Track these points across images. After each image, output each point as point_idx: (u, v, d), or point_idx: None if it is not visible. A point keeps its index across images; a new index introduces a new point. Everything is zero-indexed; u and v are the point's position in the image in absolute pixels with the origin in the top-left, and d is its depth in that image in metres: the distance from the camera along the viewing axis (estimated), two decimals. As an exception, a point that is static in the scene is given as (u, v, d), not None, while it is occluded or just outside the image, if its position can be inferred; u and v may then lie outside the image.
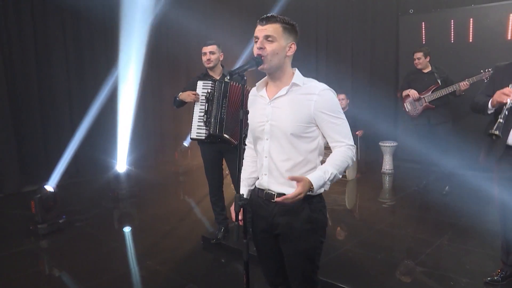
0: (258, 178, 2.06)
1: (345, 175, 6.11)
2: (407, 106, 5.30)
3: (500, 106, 2.63)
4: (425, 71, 5.12)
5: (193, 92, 3.74)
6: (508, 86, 2.61)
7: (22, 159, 5.94)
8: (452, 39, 6.18)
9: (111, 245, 4.19)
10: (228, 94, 3.70)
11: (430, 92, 5.03)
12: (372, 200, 5.43)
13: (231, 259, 3.77)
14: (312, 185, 1.77)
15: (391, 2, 7.03)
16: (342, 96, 6.27)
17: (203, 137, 3.77)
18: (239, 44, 7.23)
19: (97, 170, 6.56)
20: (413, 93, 5.14)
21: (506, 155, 2.73)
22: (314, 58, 7.89)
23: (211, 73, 3.86)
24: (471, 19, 6.00)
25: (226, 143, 3.76)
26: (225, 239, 4.00)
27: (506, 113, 2.54)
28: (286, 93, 1.91)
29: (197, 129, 3.81)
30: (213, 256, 3.91)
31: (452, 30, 6.18)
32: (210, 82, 3.74)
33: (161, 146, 7.73)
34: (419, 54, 5.08)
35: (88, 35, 6.55)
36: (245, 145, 2.28)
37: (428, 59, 5.11)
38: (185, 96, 3.78)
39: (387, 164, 6.62)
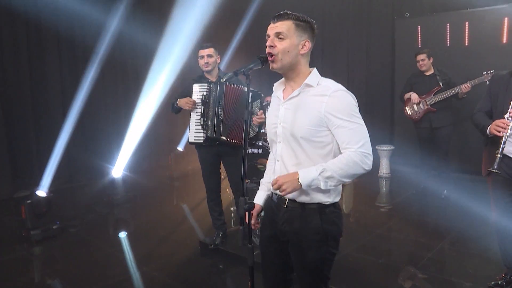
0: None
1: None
2: (409, 109, 5.28)
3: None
4: (428, 73, 5.09)
5: (191, 100, 3.69)
6: (503, 109, 2.59)
7: (14, 164, 5.82)
8: (448, 42, 6.18)
9: (106, 251, 4.09)
10: (224, 96, 3.64)
11: (432, 95, 5.01)
12: (369, 204, 5.39)
13: (229, 265, 3.70)
14: (297, 176, 1.70)
15: (386, 5, 7.03)
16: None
17: (201, 141, 3.71)
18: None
19: (91, 175, 6.44)
20: (414, 97, 5.12)
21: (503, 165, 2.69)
22: (310, 61, 7.85)
23: (207, 75, 3.81)
24: (467, 23, 6.01)
25: (225, 145, 3.71)
26: (223, 244, 3.93)
27: (503, 146, 2.54)
28: (299, 94, 1.83)
29: (195, 133, 3.75)
30: (211, 262, 3.83)
31: (448, 33, 6.19)
32: (206, 84, 3.69)
33: (155, 150, 7.63)
34: (422, 56, 5.04)
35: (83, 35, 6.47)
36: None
37: (431, 60, 5.08)
38: (183, 103, 3.73)
39: (384, 168, 6.60)
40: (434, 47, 6.19)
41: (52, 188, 5.00)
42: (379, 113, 7.12)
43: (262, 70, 1.89)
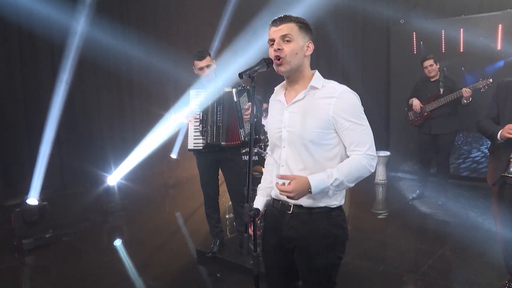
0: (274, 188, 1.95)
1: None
2: (411, 114, 5.27)
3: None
4: (433, 79, 5.06)
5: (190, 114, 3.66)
6: None
7: (5, 172, 5.71)
8: (443, 49, 6.20)
9: (101, 260, 3.99)
10: (222, 101, 3.60)
11: (432, 101, 5.00)
12: (366, 211, 5.35)
13: (227, 274, 3.62)
14: (309, 186, 1.66)
15: (382, 12, 7.05)
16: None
17: (201, 147, 3.65)
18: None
19: (85, 183, 6.35)
20: (415, 103, 5.09)
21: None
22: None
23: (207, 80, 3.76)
24: (462, 29, 6.05)
25: (224, 151, 3.66)
26: (221, 252, 3.86)
27: None
28: (304, 97, 1.79)
29: (194, 140, 3.70)
30: (209, 270, 3.76)
31: (443, 40, 6.22)
32: (203, 90, 3.64)
33: (148, 157, 7.52)
34: (430, 61, 5.00)
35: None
36: (267, 152, 2.19)
37: (438, 65, 5.04)
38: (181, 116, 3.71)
39: (380, 175, 6.57)
40: (429, 53, 6.23)
41: (45, 196, 4.89)
42: (375, 120, 7.08)
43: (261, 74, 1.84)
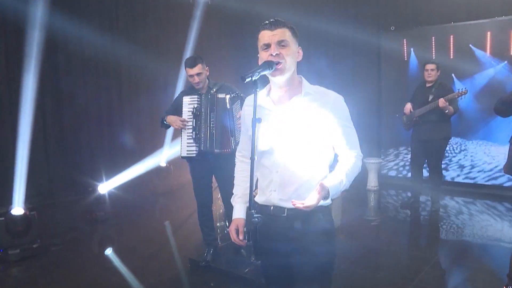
0: (256, 195, 1.90)
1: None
2: (403, 118, 5.29)
3: None
4: (428, 85, 5.07)
5: (181, 119, 3.59)
6: None
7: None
8: (434, 55, 6.25)
9: (91, 270, 3.89)
10: (215, 107, 3.55)
11: (418, 108, 5.02)
12: (358, 218, 5.30)
13: (221, 283, 3.55)
14: (328, 194, 1.67)
15: (372, 19, 7.09)
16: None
17: (194, 155, 3.59)
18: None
19: (73, 191, 6.20)
20: (406, 107, 5.12)
21: None
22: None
23: (198, 88, 3.71)
24: (451, 36, 6.11)
25: (217, 159, 3.60)
26: (214, 261, 3.79)
27: None
28: (300, 103, 1.79)
29: (187, 147, 3.65)
30: (202, 279, 3.68)
31: (433, 46, 6.27)
32: (196, 96, 3.60)
33: (138, 164, 7.40)
34: (432, 66, 5.00)
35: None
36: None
37: (439, 73, 5.04)
38: (172, 121, 3.65)
39: (372, 181, 6.55)
40: (419, 60, 6.29)
41: (32, 205, 4.76)
42: (366, 126, 7.10)
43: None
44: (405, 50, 6.60)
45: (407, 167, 6.50)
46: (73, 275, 3.78)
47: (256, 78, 1.68)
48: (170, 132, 6.91)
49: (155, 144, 7.26)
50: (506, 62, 5.77)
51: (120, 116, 6.95)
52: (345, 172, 1.76)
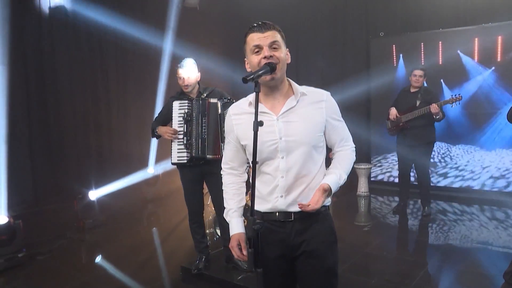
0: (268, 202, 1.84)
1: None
2: (388, 123, 5.28)
3: None
4: (413, 90, 5.09)
5: (171, 129, 3.52)
6: None
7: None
8: (423, 61, 6.30)
9: (80, 280, 3.78)
10: (207, 112, 3.50)
11: (408, 112, 5.03)
12: (349, 223, 5.29)
13: (214, 291, 3.49)
14: (331, 191, 1.73)
15: (361, 25, 7.14)
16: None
17: (185, 161, 3.52)
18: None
19: (60, 198, 6.03)
20: (392, 112, 5.11)
21: None
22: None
23: (187, 92, 3.65)
24: (440, 42, 6.17)
25: (209, 165, 3.54)
26: (207, 268, 3.72)
27: None
28: (296, 104, 1.79)
29: (178, 153, 3.58)
30: (195, 287, 3.60)
31: (422, 52, 6.32)
32: (186, 101, 3.54)
33: (125, 170, 7.26)
34: (420, 72, 5.03)
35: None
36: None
37: (425, 79, 5.10)
38: (163, 132, 3.59)
39: (362, 187, 6.55)
40: (408, 65, 6.33)
41: (17, 213, 4.63)
42: (355, 131, 7.06)
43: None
44: (394, 56, 6.64)
45: (396, 172, 6.52)
46: (60, 285, 3.67)
47: (258, 79, 1.64)
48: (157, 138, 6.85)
49: (143, 150, 7.17)
50: (493, 68, 5.84)
51: (108, 122, 6.84)
52: (343, 166, 1.83)
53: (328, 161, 1.88)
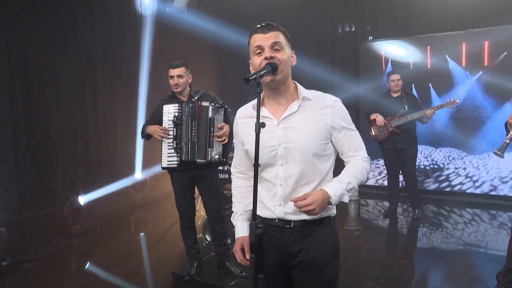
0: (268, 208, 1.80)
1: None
2: (374, 130, 5.28)
3: None
4: (395, 95, 5.12)
5: (162, 128, 3.47)
6: None
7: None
8: (411, 66, 6.36)
9: (67, 288, 3.67)
10: (197, 116, 3.45)
11: (397, 117, 5.04)
12: (340, 227, 5.20)
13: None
14: (328, 195, 1.60)
15: (350, 29, 7.18)
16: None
17: (175, 165, 3.46)
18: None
19: (46, 204, 5.87)
20: (379, 119, 5.05)
21: None
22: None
23: (177, 94, 3.61)
24: (429, 47, 6.23)
25: (200, 169, 3.51)
26: (199, 275, 3.66)
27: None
28: (298, 109, 1.72)
29: (168, 157, 3.52)
30: (187, 294, 3.54)
31: (411, 57, 6.37)
32: (177, 105, 3.49)
33: (112, 175, 7.12)
34: (398, 76, 5.06)
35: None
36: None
37: (401, 82, 5.13)
38: (153, 131, 3.53)
39: (352, 191, 6.54)
40: (397, 70, 6.37)
41: (0, 220, 4.49)
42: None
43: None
44: (383, 61, 6.68)
45: (384, 176, 6.55)
46: (48, 293, 3.56)
47: (260, 80, 1.60)
48: (145, 142, 6.76)
49: (130, 154, 7.06)
50: (480, 72, 5.92)
51: (95, 125, 6.72)
52: (345, 172, 1.72)
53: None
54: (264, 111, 1.76)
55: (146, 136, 3.63)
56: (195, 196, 3.81)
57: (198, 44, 7.87)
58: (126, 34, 6.93)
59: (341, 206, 6.19)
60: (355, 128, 1.78)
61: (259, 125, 1.58)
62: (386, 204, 5.67)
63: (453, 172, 6.24)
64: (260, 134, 1.71)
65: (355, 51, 7.11)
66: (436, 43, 6.20)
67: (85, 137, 6.55)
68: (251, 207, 1.86)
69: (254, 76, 1.58)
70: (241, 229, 1.85)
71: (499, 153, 2.56)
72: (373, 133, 5.27)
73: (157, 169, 6.96)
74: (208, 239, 4.83)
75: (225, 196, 5.79)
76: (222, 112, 3.52)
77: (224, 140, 3.47)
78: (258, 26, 1.71)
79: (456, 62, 6.07)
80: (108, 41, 6.76)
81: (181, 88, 3.51)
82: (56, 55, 6.13)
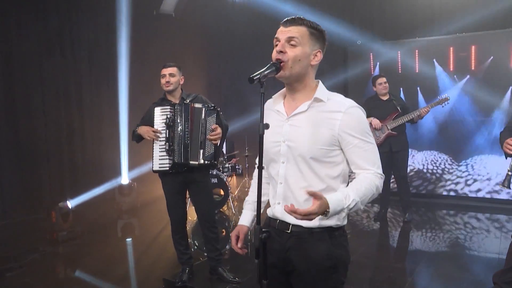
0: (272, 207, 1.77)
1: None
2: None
3: None
4: (384, 98, 5.14)
5: (153, 129, 3.40)
6: None
7: None
8: (400, 69, 6.40)
9: (54, 296, 3.56)
10: (190, 118, 3.40)
11: (392, 119, 5.05)
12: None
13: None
14: (328, 208, 1.47)
15: (339, 33, 7.17)
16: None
17: (167, 168, 3.40)
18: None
19: (30, 210, 5.73)
20: (375, 122, 5.05)
21: None
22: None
23: (169, 97, 3.56)
24: (417, 51, 6.29)
25: (192, 172, 3.46)
26: (191, 281, 3.59)
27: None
28: (307, 109, 1.64)
29: (159, 160, 3.45)
30: (179, 301, 3.45)
31: (399, 61, 6.42)
32: (169, 107, 3.43)
33: (98, 180, 6.97)
34: (384, 79, 5.08)
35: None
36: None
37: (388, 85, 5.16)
38: (144, 132, 3.45)
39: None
40: (386, 73, 6.41)
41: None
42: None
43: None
44: (372, 64, 6.72)
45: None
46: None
47: (264, 79, 1.55)
48: (131, 146, 6.68)
49: (116, 158, 6.93)
50: (468, 76, 5.99)
51: (81, 129, 6.59)
52: (355, 188, 1.55)
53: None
54: (279, 105, 1.73)
55: (137, 137, 3.55)
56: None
57: (187, 47, 7.82)
58: (112, 37, 6.82)
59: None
60: (371, 140, 1.62)
61: (263, 126, 1.53)
62: (376, 207, 5.67)
63: (442, 175, 6.29)
64: (270, 128, 1.65)
65: (343, 55, 7.13)
66: (424, 47, 6.27)
67: (71, 141, 6.42)
68: (265, 198, 1.84)
69: (258, 76, 1.53)
70: (244, 217, 1.87)
71: (505, 185, 2.56)
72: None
73: (144, 173, 6.90)
74: (196, 244, 4.75)
75: (215, 200, 5.72)
76: (215, 115, 3.48)
77: (217, 141, 3.44)
78: (287, 18, 1.65)
79: (444, 66, 6.15)
80: (93, 43, 6.66)
81: (172, 86, 3.46)
82: (41, 58, 6.01)
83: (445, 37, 6.17)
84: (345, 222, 1.68)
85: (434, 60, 6.19)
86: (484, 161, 5.98)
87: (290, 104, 1.71)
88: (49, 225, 5.02)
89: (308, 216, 1.45)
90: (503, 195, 5.86)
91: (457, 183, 6.18)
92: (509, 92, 5.67)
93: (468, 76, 5.98)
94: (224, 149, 6.46)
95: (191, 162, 3.40)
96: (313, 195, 1.47)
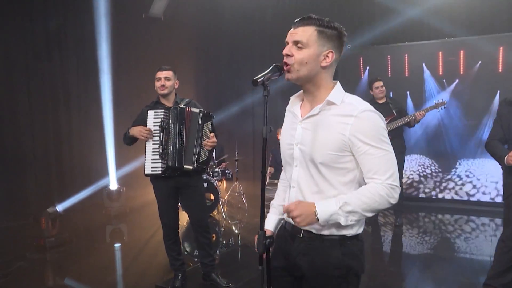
0: None
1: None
2: None
3: None
4: (380, 102, 5.14)
5: (146, 128, 3.33)
6: None
7: None
8: (390, 73, 6.44)
9: (43, 305, 3.46)
10: (185, 121, 3.35)
11: (387, 123, 5.06)
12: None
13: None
14: (314, 208, 1.48)
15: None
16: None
17: (160, 171, 3.33)
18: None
19: (17, 216, 5.58)
20: None
21: None
22: (251, 94, 7.80)
23: (163, 101, 3.50)
24: (406, 55, 6.33)
25: (185, 176, 3.40)
26: (184, 287, 3.53)
27: None
28: (319, 112, 1.58)
29: (152, 163, 3.38)
30: (171, 308, 3.39)
31: (389, 65, 6.46)
32: (162, 110, 3.37)
33: (88, 183, 6.86)
34: (381, 83, 5.08)
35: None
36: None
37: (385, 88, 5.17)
38: (136, 132, 3.37)
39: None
40: (376, 77, 6.45)
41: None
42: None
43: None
44: (362, 68, 6.74)
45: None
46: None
47: (267, 82, 1.52)
48: (118, 151, 6.60)
49: (104, 162, 6.82)
50: (457, 80, 6.05)
51: (68, 132, 6.48)
52: (352, 194, 1.52)
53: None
54: (296, 107, 1.70)
55: (129, 139, 3.47)
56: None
57: (176, 50, 7.77)
58: (99, 41, 6.73)
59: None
60: (385, 147, 1.53)
61: (266, 130, 1.50)
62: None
63: (432, 179, 6.33)
64: (285, 130, 1.72)
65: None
66: (414, 52, 6.31)
67: (58, 145, 6.30)
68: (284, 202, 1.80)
69: (262, 79, 1.50)
70: (268, 221, 1.84)
71: None
72: None
73: (133, 178, 6.80)
74: (187, 249, 4.69)
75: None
76: (211, 121, 3.45)
77: (212, 148, 3.43)
78: (298, 19, 1.60)
79: (433, 70, 6.19)
80: (81, 46, 6.56)
81: (167, 90, 3.42)
82: (28, 62, 5.89)
83: (434, 42, 6.23)
84: (360, 231, 1.63)
85: (423, 64, 6.23)
86: (474, 164, 6.03)
87: (305, 106, 1.68)
88: (37, 231, 4.87)
89: (288, 212, 1.50)
90: (495, 198, 5.91)
91: (444, 188, 6.23)
92: (497, 96, 5.74)
93: (457, 80, 6.04)
94: (214, 154, 6.41)
95: (185, 166, 3.35)
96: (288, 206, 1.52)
